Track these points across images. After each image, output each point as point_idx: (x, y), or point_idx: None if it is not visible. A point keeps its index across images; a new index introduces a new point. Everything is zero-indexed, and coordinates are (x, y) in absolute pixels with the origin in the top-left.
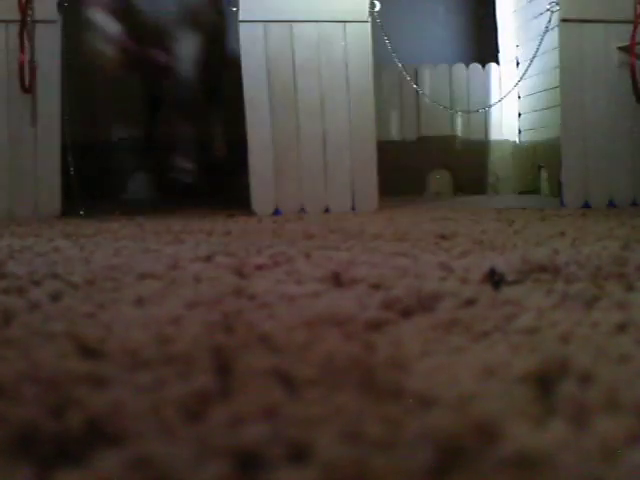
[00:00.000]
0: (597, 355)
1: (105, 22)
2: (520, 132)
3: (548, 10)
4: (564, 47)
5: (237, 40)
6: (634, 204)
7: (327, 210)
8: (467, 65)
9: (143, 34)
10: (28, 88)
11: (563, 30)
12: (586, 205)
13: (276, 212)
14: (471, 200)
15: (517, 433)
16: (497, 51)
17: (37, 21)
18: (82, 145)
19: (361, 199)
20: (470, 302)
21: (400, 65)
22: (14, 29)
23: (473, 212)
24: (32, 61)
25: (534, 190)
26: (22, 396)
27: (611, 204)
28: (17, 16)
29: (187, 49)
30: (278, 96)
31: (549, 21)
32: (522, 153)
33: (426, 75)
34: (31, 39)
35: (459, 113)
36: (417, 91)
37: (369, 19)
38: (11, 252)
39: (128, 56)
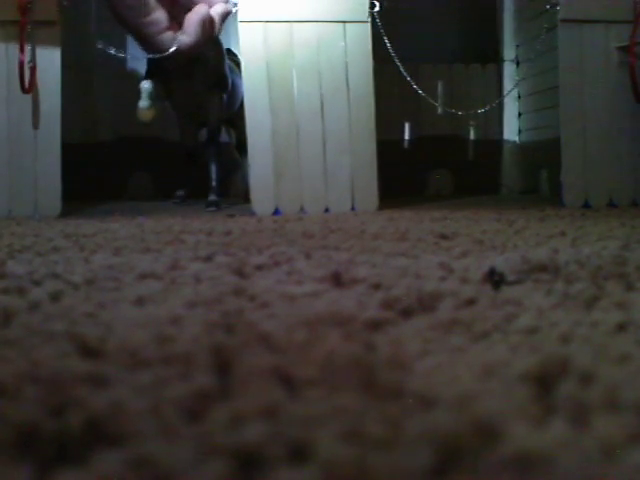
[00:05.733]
0: (597, 355)
1: None
2: (520, 132)
3: (548, 10)
4: (564, 47)
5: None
6: (634, 204)
7: (327, 210)
8: (467, 65)
9: None
10: (28, 88)
11: (563, 30)
12: (586, 205)
13: (276, 212)
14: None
15: (517, 433)
16: (497, 51)
17: (37, 21)
18: None
19: (361, 199)
20: (470, 302)
21: (400, 65)
22: (14, 29)
23: (473, 212)
24: (32, 61)
25: (534, 190)
26: (22, 396)
27: (611, 204)
28: (17, 16)
29: None
30: (278, 96)
31: (549, 21)
32: (522, 153)
33: (426, 75)
34: (31, 39)
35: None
36: (417, 91)
37: (369, 19)
38: (11, 252)
39: None
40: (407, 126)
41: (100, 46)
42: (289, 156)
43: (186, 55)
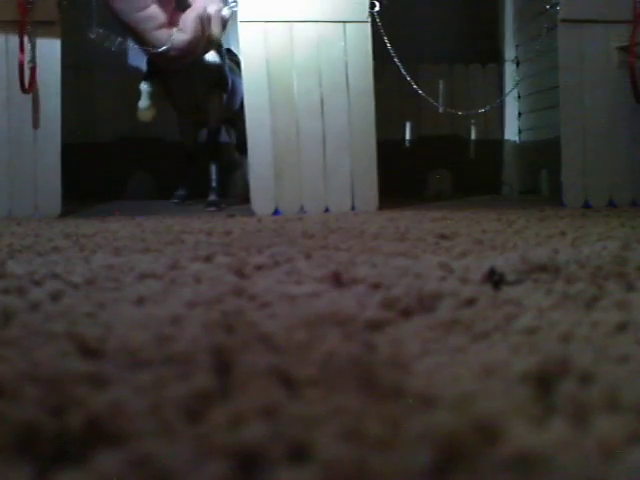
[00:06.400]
0: (597, 355)
1: None
2: (520, 132)
3: (548, 10)
4: (564, 47)
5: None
6: (634, 204)
7: (327, 210)
8: (467, 65)
9: None
10: (28, 88)
11: (563, 30)
12: (586, 205)
13: (276, 212)
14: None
15: (517, 433)
16: (497, 51)
17: (37, 21)
18: None
19: (361, 199)
20: (470, 302)
21: (400, 65)
22: (14, 29)
23: (473, 212)
24: (32, 61)
25: (534, 190)
26: (22, 396)
27: (611, 204)
28: (17, 16)
29: None
30: (278, 96)
31: (549, 21)
32: (522, 153)
33: (426, 75)
34: (31, 39)
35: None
36: (417, 91)
37: (369, 19)
38: (11, 252)
39: None
40: (407, 126)
41: (95, 35)
42: (289, 156)
43: (184, 55)
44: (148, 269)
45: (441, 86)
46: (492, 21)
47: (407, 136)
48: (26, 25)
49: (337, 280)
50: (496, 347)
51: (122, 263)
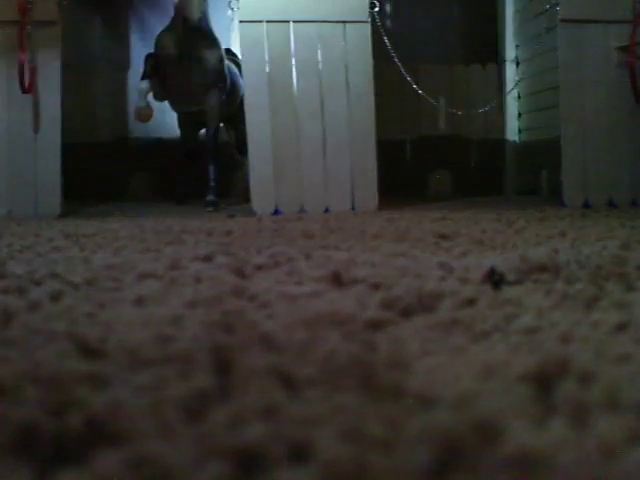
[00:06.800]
0: (597, 355)
1: None
2: (520, 132)
3: (548, 10)
4: (564, 47)
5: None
6: (634, 204)
7: (327, 210)
8: (467, 65)
9: None
10: (28, 88)
11: (563, 30)
12: (586, 205)
13: (276, 212)
14: None
15: (517, 433)
16: (497, 51)
17: (37, 21)
18: None
19: (361, 199)
20: (470, 302)
21: (400, 65)
22: (14, 29)
23: (473, 212)
24: (32, 61)
25: (534, 190)
26: (22, 396)
27: (611, 204)
28: (17, 16)
29: None
30: (278, 96)
31: (549, 21)
32: (522, 153)
33: (426, 75)
34: (31, 39)
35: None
36: (417, 91)
37: (369, 19)
38: (11, 252)
39: None
40: (407, 126)
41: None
42: (289, 156)
43: None
44: (148, 269)
45: (441, 86)
46: (492, 21)
47: (407, 136)
48: (26, 25)
49: (337, 280)
50: (496, 347)
51: (122, 263)
